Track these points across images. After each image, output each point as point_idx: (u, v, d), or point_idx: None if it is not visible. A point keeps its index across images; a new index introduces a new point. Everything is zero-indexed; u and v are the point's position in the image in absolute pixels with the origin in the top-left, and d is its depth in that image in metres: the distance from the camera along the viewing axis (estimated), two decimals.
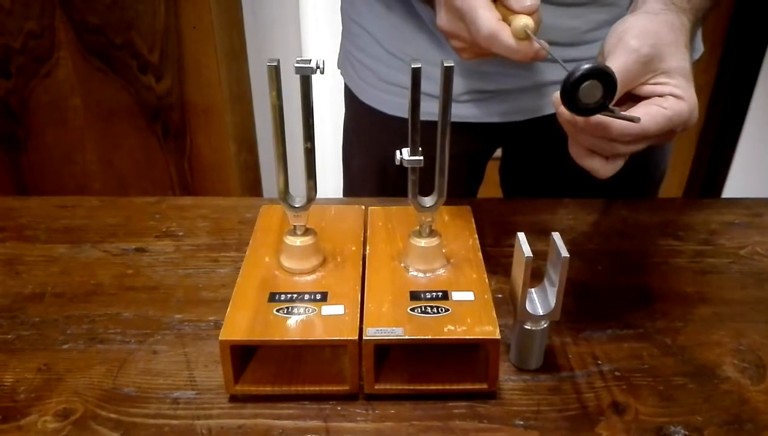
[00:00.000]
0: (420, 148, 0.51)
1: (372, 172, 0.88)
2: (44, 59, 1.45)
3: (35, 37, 1.42)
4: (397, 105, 0.80)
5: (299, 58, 0.45)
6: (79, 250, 0.68)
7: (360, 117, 0.86)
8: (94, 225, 0.72)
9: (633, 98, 0.51)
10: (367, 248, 0.59)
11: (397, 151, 0.52)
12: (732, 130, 1.90)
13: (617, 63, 0.48)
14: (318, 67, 0.46)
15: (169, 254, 0.68)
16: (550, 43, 0.49)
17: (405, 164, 0.52)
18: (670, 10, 0.54)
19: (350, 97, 0.87)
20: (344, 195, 0.95)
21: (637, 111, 0.48)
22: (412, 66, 0.47)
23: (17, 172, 1.60)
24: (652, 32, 0.50)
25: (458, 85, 0.72)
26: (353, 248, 0.59)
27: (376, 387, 0.50)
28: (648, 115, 0.48)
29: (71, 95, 1.49)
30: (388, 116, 0.81)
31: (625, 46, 0.49)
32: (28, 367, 0.53)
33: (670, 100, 0.49)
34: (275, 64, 0.45)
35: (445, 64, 0.46)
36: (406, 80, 0.79)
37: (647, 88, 0.50)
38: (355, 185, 0.93)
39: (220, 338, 0.48)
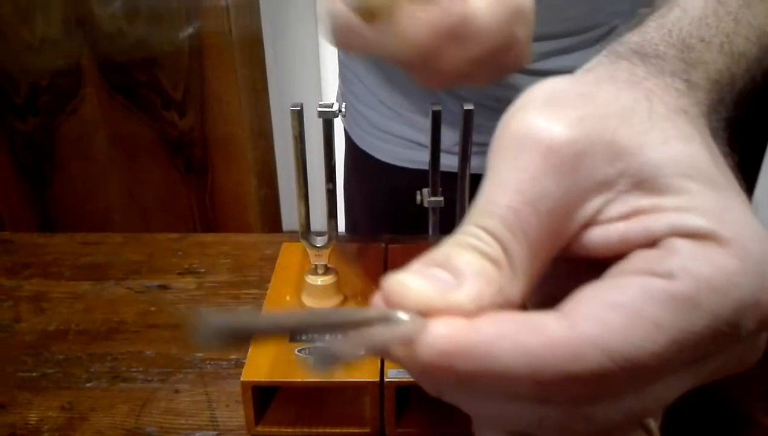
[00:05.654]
0: (440, 189, 0.52)
1: (370, 210, 0.88)
2: (70, 96, 1.49)
3: (62, 75, 1.46)
4: (388, 152, 0.78)
5: (322, 102, 0.46)
6: (103, 287, 0.69)
7: (356, 158, 0.86)
8: (118, 262, 0.73)
9: (577, 270, 0.24)
10: None
11: (418, 192, 0.52)
12: (751, 168, 1.89)
13: (508, 183, 0.23)
14: (340, 111, 0.46)
15: (191, 291, 0.68)
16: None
17: (426, 205, 0.52)
18: (643, 57, 0.27)
19: (347, 137, 0.87)
20: (346, 230, 0.95)
21: (585, 303, 0.21)
22: (432, 109, 0.47)
23: (43, 205, 1.63)
24: (582, 95, 0.24)
25: (449, 136, 0.63)
26: (374, 288, 0.59)
27: (398, 430, 0.49)
28: (619, 310, 0.21)
29: (96, 131, 1.52)
30: (381, 162, 0.80)
31: (520, 138, 0.23)
32: (52, 405, 0.54)
33: (680, 247, 0.21)
34: (299, 108, 0.46)
35: (465, 108, 0.47)
36: (397, 128, 0.80)
37: (602, 233, 0.23)
38: (357, 221, 0.93)
39: (242, 378, 0.48)
